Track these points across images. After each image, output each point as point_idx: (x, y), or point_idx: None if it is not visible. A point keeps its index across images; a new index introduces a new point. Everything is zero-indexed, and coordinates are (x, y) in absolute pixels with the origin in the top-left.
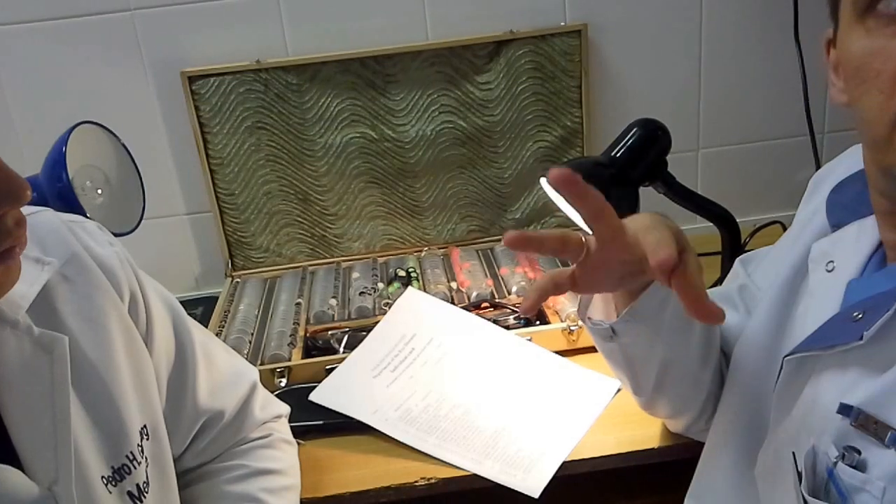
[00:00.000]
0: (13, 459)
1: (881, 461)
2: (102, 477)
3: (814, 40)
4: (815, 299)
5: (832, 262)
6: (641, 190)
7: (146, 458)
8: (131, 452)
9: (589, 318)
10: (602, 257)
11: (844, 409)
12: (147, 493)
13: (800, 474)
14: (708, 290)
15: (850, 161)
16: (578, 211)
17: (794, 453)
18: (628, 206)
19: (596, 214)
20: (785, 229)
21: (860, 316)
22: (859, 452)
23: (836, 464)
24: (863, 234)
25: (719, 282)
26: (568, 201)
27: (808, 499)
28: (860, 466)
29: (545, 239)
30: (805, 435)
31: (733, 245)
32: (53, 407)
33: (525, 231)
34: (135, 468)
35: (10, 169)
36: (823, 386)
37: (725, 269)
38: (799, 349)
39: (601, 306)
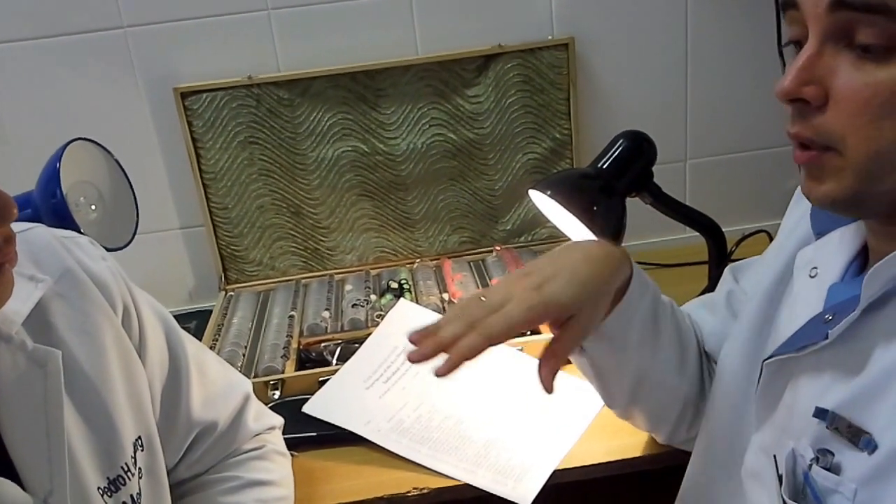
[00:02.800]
0: (11, 472)
1: (854, 464)
2: (98, 488)
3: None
4: (797, 304)
5: (815, 268)
6: (629, 201)
7: (139, 470)
8: (126, 464)
9: None
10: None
11: (820, 413)
12: None
13: (780, 477)
14: (696, 299)
15: None
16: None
17: (775, 456)
18: (615, 216)
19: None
20: (771, 238)
21: (830, 318)
22: (833, 455)
23: (811, 466)
24: (844, 241)
25: (708, 290)
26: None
27: (788, 502)
28: (834, 469)
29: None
30: (785, 438)
31: (720, 254)
32: (47, 420)
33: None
34: (129, 479)
35: None
36: (801, 389)
37: (712, 278)
38: (776, 353)
39: None
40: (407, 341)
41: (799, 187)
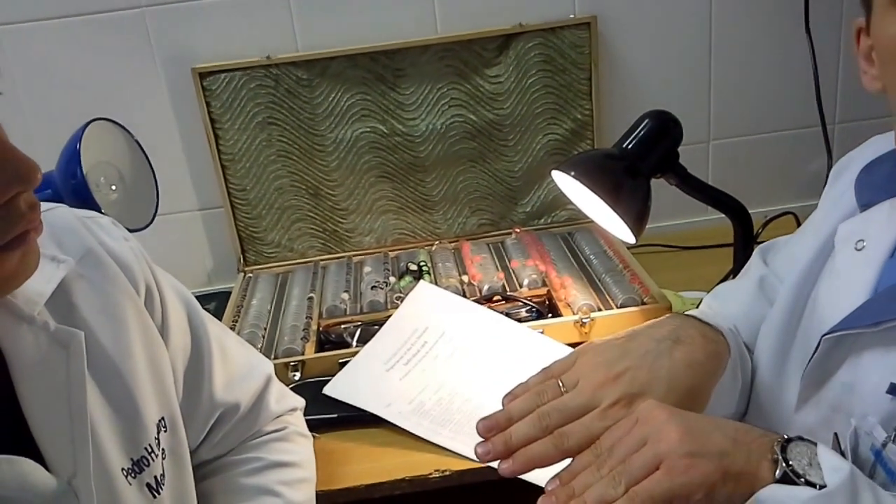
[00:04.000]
0: (35, 453)
1: None
2: (123, 469)
3: (825, 30)
4: (842, 278)
5: (862, 240)
6: (653, 182)
7: (163, 451)
8: (149, 445)
9: None
10: None
11: (895, 390)
12: (164, 485)
13: (842, 454)
14: (723, 284)
15: (871, 150)
16: None
17: (836, 434)
18: (640, 198)
19: None
20: (797, 220)
21: None
22: None
23: (885, 445)
24: (894, 213)
25: (733, 273)
26: None
27: None
28: None
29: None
30: (842, 416)
31: (745, 236)
32: (70, 401)
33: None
34: (153, 460)
35: (19, 151)
36: (866, 365)
37: (738, 260)
38: (840, 327)
39: None
40: (427, 323)
41: (835, 167)
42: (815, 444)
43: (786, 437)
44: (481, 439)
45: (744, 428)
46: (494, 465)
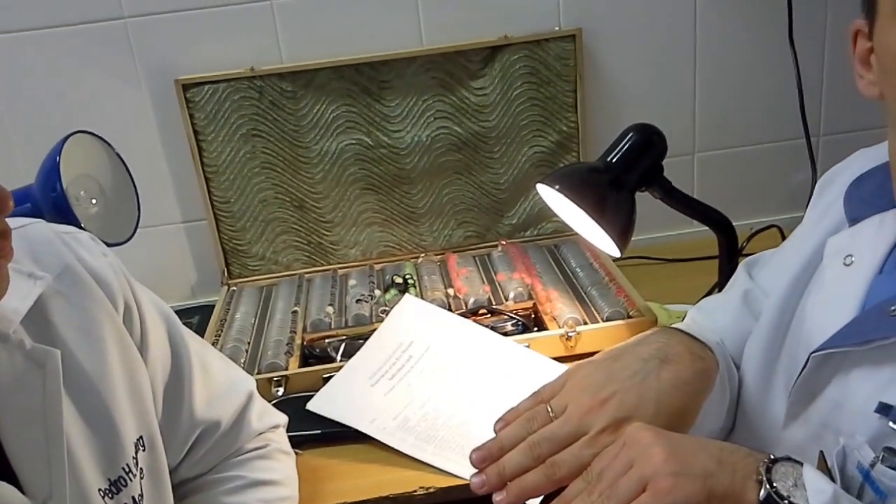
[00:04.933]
0: (9, 475)
1: None
2: (99, 489)
3: (808, 42)
4: (830, 293)
5: (850, 256)
6: (638, 195)
7: (141, 470)
8: (127, 464)
9: None
10: None
11: (884, 409)
12: None
13: (829, 472)
14: (708, 298)
15: (858, 164)
16: None
17: (822, 452)
18: (625, 211)
19: None
20: (782, 232)
21: None
22: None
23: (874, 465)
24: (883, 228)
25: (718, 285)
26: None
27: None
28: None
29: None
30: (830, 433)
31: (730, 249)
32: (46, 421)
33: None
34: (131, 480)
35: None
36: (854, 383)
37: (723, 272)
38: (828, 345)
39: None
40: (413, 337)
41: (823, 177)
42: (802, 465)
43: (772, 457)
44: (468, 458)
45: (729, 448)
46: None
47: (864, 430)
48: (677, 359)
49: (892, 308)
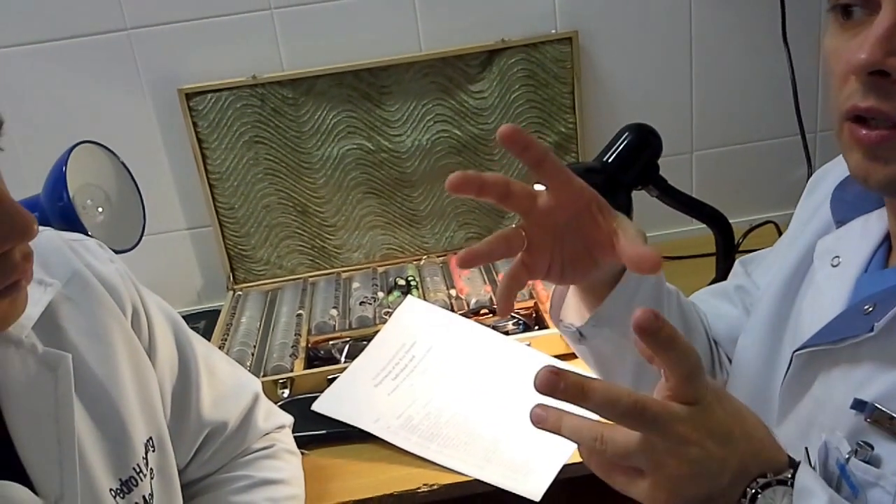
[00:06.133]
0: (21, 476)
1: (895, 456)
2: (111, 489)
3: (802, 40)
4: (820, 294)
5: (838, 257)
6: (635, 193)
7: (151, 471)
8: (137, 465)
9: (560, 320)
10: (549, 211)
11: (858, 405)
12: None
13: (813, 469)
14: (705, 288)
15: (843, 165)
16: (523, 161)
17: (806, 448)
18: (621, 210)
19: (538, 159)
20: (778, 229)
21: (871, 309)
22: (872, 448)
23: (848, 459)
24: (867, 229)
25: (715, 283)
26: (514, 154)
27: None
28: (873, 462)
29: (487, 180)
30: (816, 430)
31: (727, 246)
32: (58, 423)
33: (467, 172)
34: (141, 480)
35: (17, 205)
36: (834, 381)
37: (720, 269)
38: (809, 343)
39: (573, 308)
40: (416, 337)
41: (813, 176)
42: (792, 487)
43: (760, 483)
44: (473, 450)
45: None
46: (483, 478)
47: (843, 425)
48: None
49: (867, 307)
